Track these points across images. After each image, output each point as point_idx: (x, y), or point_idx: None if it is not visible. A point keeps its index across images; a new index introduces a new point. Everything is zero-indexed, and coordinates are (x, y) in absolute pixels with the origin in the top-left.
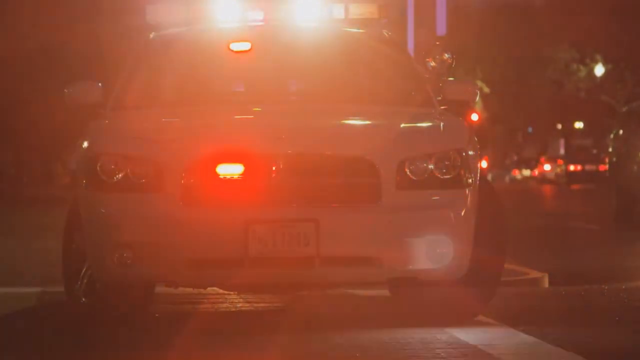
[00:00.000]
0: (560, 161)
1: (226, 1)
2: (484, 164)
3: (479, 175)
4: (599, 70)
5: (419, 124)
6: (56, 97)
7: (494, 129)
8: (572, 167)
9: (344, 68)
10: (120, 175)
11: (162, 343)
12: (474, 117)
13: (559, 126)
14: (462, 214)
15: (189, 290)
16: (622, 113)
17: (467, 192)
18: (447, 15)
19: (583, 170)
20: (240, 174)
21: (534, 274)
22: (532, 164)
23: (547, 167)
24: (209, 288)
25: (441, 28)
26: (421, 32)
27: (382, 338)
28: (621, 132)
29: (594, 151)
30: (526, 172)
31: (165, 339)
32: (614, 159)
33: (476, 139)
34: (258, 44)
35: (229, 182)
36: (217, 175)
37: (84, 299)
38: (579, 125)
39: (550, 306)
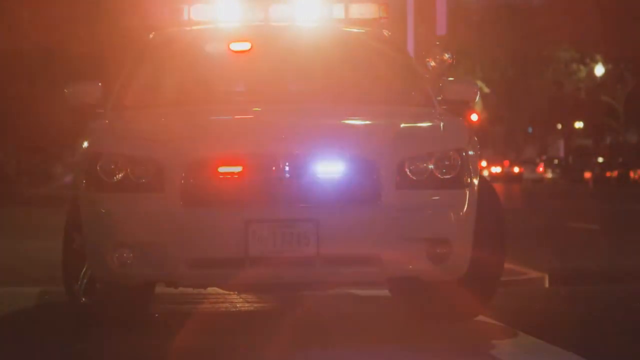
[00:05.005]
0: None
1: (226, 1)
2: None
3: (479, 175)
4: (599, 70)
5: (419, 124)
6: (56, 97)
7: (494, 129)
8: (492, 169)
9: (344, 68)
10: (120, 175)
11: (162, 343)
12: (474, 117)
13: (559, 126)
14: (462, 214)
15: (189, 290)
16: None
17: (467, 192)
18: (447, 15)
19: (503, 172)
20: (240, 174)
21: (534, 274)
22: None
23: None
24: (209, 288)
25: (441, 28)
26: (421, 32)
27: (381, 337)
28: None
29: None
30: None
31: (165, 339)
32: None
33: (476, 139)
34: (258, 44)
35: (229, 182)
36: (217, 175)
37: (84, 299)
38: (579, 125)
39: (550, 306)
